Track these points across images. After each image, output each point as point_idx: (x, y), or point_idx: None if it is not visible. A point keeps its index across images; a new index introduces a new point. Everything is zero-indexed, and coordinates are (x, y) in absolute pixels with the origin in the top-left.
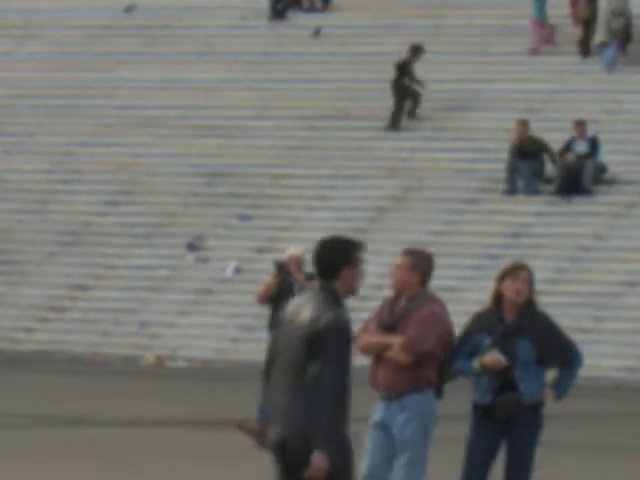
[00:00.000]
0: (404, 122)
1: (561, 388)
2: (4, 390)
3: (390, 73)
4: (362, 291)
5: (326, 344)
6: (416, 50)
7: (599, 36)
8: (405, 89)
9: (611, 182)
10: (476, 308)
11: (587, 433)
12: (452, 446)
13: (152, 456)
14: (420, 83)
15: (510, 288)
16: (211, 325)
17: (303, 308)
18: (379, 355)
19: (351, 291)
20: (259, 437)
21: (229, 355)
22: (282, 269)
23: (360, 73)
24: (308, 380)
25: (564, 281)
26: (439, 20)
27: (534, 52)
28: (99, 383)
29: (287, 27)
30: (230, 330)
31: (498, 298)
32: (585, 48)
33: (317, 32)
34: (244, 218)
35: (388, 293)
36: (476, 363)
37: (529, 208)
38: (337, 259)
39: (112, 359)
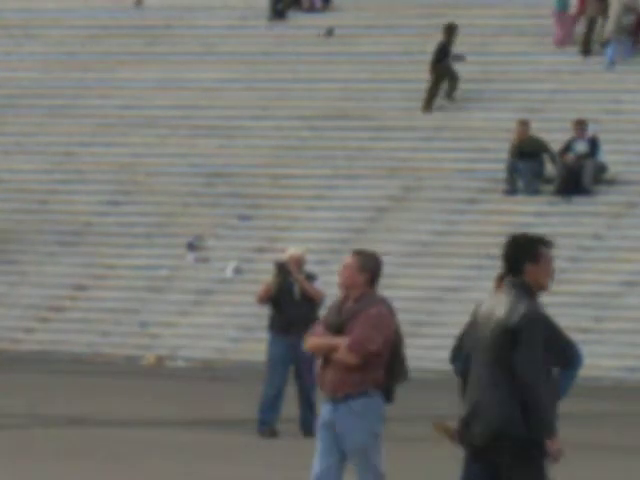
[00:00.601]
0: (439, 103)
1: (561, 389)
2: (4, 390)
3: (390, 73)
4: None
5: (523, 336)
6: (451, 29)
7: (608, 31)
8: (444, 71)
9: (611, 182)
10: None
11: (587, 433)
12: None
13: (152, 456)
14: (461, 58)
15: None
16: (211, 325)
17: (497, 306)
18: (326, 357)
19: (540, 287)
20: (457, 436)
21: (229, 355)
22: (282, 269)
23: (360, 73)
24: (513, 372)
25: (564, 281)
26: (439, 20)
27: (561, 43)
28: (99, 383)
29: (287, 27)
30: (230, 330)
31: None
32: (587, 46)
33: (330, 32)
34: (244, 218)
35: (389, 293)
36: None
37: (529, 208)
38: (520, 255)
39: (112, 359)
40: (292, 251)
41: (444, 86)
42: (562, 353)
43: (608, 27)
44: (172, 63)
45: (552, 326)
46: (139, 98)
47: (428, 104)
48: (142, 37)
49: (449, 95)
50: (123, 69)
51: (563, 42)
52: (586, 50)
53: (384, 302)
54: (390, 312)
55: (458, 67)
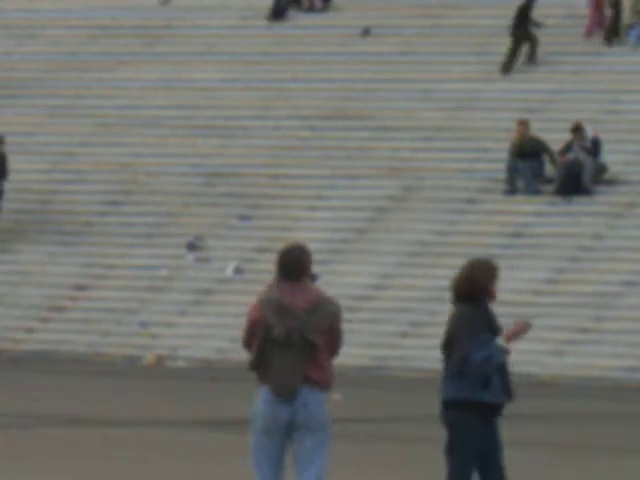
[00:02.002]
0: (520, 66)
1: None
2: (4, 390)
3: (390, 73)
4: (362, 291)
5: None
6: None
7: (626, 18)
8: (524, 34)
9: (611, 182)
10: None
11: (587, 433)
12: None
13: (152, 456)
14: (540, 24)
15: (496, 289)
16: (211, 325)
17: None
18: None
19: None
20: None
21: (229, 355)
22: None
23: (360, 73)
24: None
25: (564, 281)
26: (439, 20)
27: (588, 34)
28: (99, 383)
29: (287, 27)
30: (230, 330)
31: (474, 295)
32: (612, 34)
33: (366, 32)
34: (244, 218)
35: (389, 293)
36: (501, 340)
37: (529, 208)
38: None
39: (112, 359)
40: None
41: (524, 50)
42: None
43: (625, 13)
44: (172, 63)
45: None
46: (139, 98)
47: (508, 67)
48: (142, 37)
49: (530, 58)
50: (123, 69)
51: (590, 33)
52: (611, 37)
53: (261, 292)
54: (257, 302)
55: (458, 67)
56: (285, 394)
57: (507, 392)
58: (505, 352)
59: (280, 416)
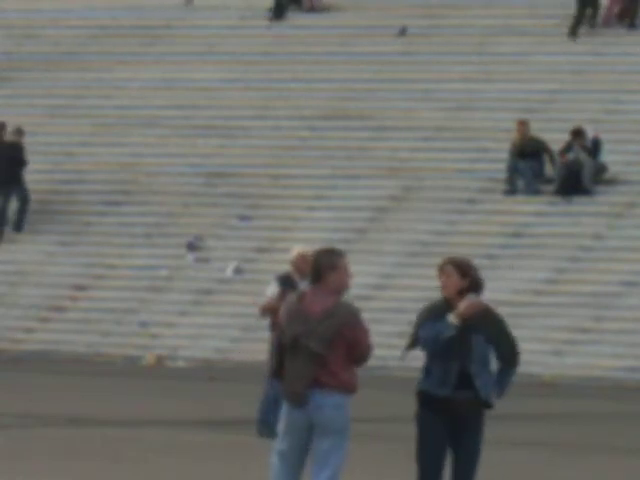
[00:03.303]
0: (583, 30)
1: (501, 387)
2: (4, 390)
3: (390, 73)
4: (362, 291)
5: None
6: None
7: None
8: None
9: (611, 182)
10: None
11: (587, 433)
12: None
13: (152, 456)
14: None
15: (442, 284)
16: (211, 325)
17: None
18: None
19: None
20: None
21: (229, 355)
22: (286, 282)
23: (360, 73)
24: None
25: (564, 281)
26: (439, 20)
27: (605, 23)
28: (99, 383)
29: (287, 27)
30: (230, 330)
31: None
32: (633, 20)
33: (403, 31)
34: (244, 218)
35: (389, 293)
36: (452, 318)
37: (529, 208)
38: None
39: (112, 359)
40: (300, 249)
41: (588, 13)
42: (509, 349)
43: None
44: (172, 63)
45: (500, 320)
46: (139, 98)
47: (574, 31)
48: (142, 37)
49: (591, 23)
50: (123, 69)
51: (607, 23)
52: (633, 23)
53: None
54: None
55: (458, 67)
56: (293, 401)
57: (450, 386)
58: (454, 328)
59: (297, 421)
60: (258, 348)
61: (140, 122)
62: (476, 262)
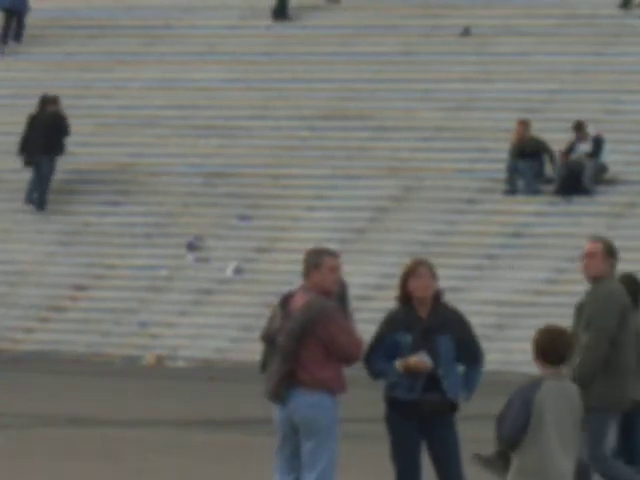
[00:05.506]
0: None
1: (469, 388)
2: (4, 390)
3: (390, 73)
4: (362, 291)
5: None
6: None
7: None
8: None
9: (611, 182)
10: (476, 308)
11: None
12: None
13: (152, 456)
14: None
15: (416, 286)
16: (211, 325)
17: None
18: None
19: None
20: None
21: (229, 355)
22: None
23: (360, 73)
24: None
25: (564, 281)
26: (439, 20)
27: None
28: (99, 383)
29: (287, 27)
30: (230, 330)
31: (406, 298)
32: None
33: (467, 31)
34: (244, 218)
35: (389, 293)
36: (398, 365)
37: (529, 208)
38: None
39: (112, 359)
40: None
41: None
42: (474, 348)
43: None
44: (172, 63)
45: (464, 320)
46: (139, 98)
47: (627, 2)
48: (142, 37)
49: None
50: (123, 69)
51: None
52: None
53: None
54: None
55: (458, 67)
56: (270, 399)
57: (418, 390)
58: (397, 375)
59: (280, 420)
60: (258, 348)
61: (140, 122)
62: (476, 262)
